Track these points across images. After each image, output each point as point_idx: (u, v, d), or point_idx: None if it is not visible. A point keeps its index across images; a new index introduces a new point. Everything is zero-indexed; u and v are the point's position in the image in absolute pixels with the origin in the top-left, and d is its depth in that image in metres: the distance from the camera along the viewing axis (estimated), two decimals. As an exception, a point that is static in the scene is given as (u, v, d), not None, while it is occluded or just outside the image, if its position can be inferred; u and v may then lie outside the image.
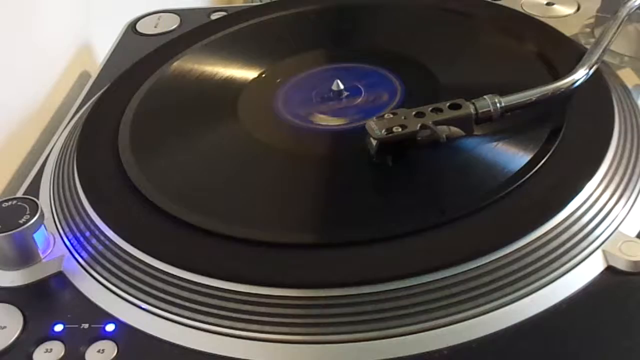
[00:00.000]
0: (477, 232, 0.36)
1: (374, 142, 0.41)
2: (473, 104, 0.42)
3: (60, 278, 0.39)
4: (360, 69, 0.52)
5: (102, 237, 0.40)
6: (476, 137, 0.43)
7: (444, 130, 0.42)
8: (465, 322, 0.34)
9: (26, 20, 0.58)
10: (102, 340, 0.35)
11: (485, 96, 0.42)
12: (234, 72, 0.53)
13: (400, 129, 0.41)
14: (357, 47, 0.55)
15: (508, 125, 0.43)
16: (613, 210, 0.38)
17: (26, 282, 0.39)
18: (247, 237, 0.38)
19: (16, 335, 0.36)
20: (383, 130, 0.41)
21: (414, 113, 0.42)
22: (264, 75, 0.53)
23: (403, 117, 0.42)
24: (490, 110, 0.42)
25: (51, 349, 0.35)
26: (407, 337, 0.34)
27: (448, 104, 0.42)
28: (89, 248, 0.40)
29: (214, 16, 0.63)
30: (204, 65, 0.54)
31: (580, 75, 0.44)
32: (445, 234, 0.37)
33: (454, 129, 0.42)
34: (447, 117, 0.42)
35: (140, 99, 0.51)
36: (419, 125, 0.41)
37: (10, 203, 0.40)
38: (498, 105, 0.42)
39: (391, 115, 0.42)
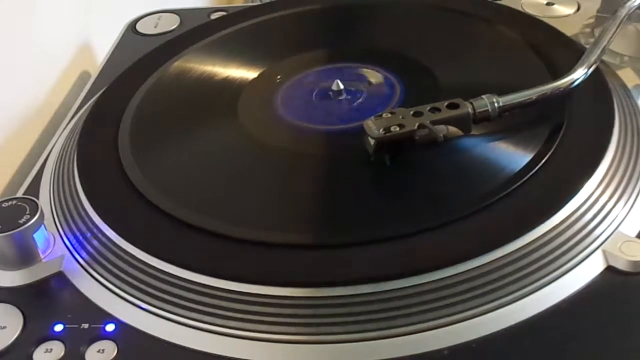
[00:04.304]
0: (476, 232, 0.36)
1: (372, 142, 0.41)
2: (471, 103, 0.42)
3: (60, 278, 0.39)
4: (360, 69, 0.52)
5: (102, 237, 0.40)
6: (474, 137, 0.43)
7: (441, 130, 0.42)
8: (465, 322, 0.34)
9: (26, 20, 0.58)
10: (102, 340, 0.35)
11: (483, 96, 0.42)
12: (234, 72, 0.53)
13: (398, 128, 0.41)
14: (357, 47, 0.55)
15: (507, 125, 0.43)
16: (613, 210, 0.38)
17: (26, 282, 0.39)
18: (247, 237, 0.38)
19: (16, 335, 0.36)
20: (381, 130, 0.41)
21: (412, 112, 0.42)
22: (264, 75, 0.53)
23: (401, 117, 0.42)
24: (488, 110, 0.42)
25: (51, 349, 0.35)
26: (407, 337, 0.34)
27: (446, 104, 0.42)
28: (89, 248, 0.40)
29: (214, 16, 0.63)
30: (204, 65, 0.54)
31: (579, 74, 0.44)
32: (444, 234, 0.37)
33: (452, 128, 0.42)
34: (445, 117, 0.42)
35: (140, 98, 0.51)
36: (416, 124, 0.41)
37: (10, 203, 0.40)
38: (496, 104, 0.42)
39: (389, 115, 0.42)
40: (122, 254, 0.39)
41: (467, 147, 0.42)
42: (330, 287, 0.35)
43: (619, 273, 0.36)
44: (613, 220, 0.38)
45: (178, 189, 0.42)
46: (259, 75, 0.53)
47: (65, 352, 0.35)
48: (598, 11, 0.57)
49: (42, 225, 0.40)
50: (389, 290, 0.34)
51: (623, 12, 0.50)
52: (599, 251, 0.36)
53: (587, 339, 0.33)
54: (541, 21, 0.54)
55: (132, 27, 0.64)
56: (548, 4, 0.59)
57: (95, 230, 0.41)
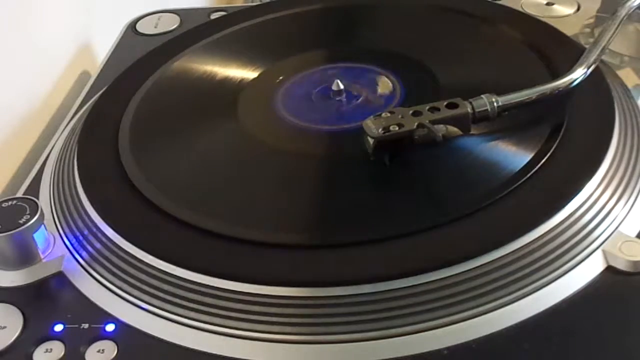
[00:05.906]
0: (476, 232, 0.36)
1: (371, 141, 0.41)
2: (470, 103, 0.42)
3: (60, 278, 0.39)
4: (360, 69, 0.52)
5: (102, 237, 0.40)
6: (474, 137, 0.43)
7: (440, 130, 0.42)
8: (465, 322, 0.34)
9: (26, 20, 0.58)
10: (102, 340, 0.35)
11: (482, 95, 0.42)
12: (234, 72, 0.53)
13: (397, 128, 0.41)
14: (357, 47, 0.55)
15: (507, 125, 0.43)
16: (613, 210, 0.38)
17: (26, 282, 0.39)
18: (247, 237, 0.38)
19: (16, 335, 0.36)
20: (380, 129, 0.41)
21: (411, 112, 0.42)
22: (264, 75, 0.53)
23: (400, 116, 0.42)
24: (487, 110, 0.42)
25: (51, 349, 0.35)
26: (407, 337, 0.34)
27: (445, 103, 0.42)
28: (89, 248, 0.40)
29: (214, 16, 0.63)
30: (204, 65, 0.54)
31: (578, 74, 0.44)
32: (444, 233, 0.37)
33: (451, 128, 0.42)
34: (444, 116, 0.42)
35: (140, 99, 0.51)
36: (416, 124, 0.41)
37: (10, 203, 0.40)
38: (495, 104, 0.42)
39: (388, 114, 0.42)
40: (122, 254, 0.39)
41: (467, 147, 0.42)
42: (330, 287, 0.35)
43: (619, 273, 0.36)
44: (613, 221, 0.38)
45: (178, 188, 0.42)
46: (259, 75, 0.53)
47: (65, 352, 0.35)
48: (598, 11, 0.57)
49: (42, 225, 0.40)
50: (389, 290, 0.34)
51: (623, 12, 0.50)
52: (599, 251, 0.36)
53: (587, 339, 0.33)
54: (541, 21, 0.54)
55: (132, 27, 0.64)
56: (548, 4, 0.59)
57: (95, 230, 0.41)
